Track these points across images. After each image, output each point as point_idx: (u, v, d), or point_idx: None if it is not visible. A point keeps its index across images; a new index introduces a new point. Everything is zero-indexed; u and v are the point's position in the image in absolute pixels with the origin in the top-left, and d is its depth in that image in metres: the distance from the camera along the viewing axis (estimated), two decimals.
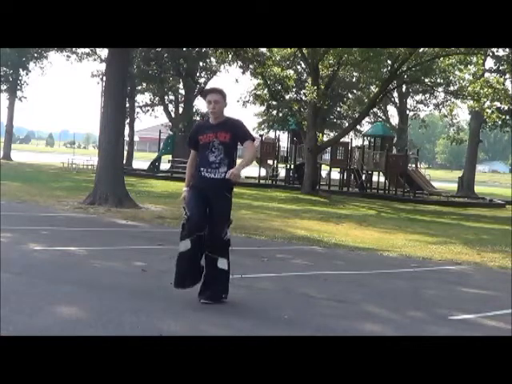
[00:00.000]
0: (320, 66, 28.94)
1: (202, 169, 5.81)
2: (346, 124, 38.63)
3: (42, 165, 39.80)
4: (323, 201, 24.73)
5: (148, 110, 41.88)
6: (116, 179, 15.91)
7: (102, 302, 5.63)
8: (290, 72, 32.76)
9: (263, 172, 36.63)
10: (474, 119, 38.53)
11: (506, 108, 31.16)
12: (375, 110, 41.78)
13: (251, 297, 6.41)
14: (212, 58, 38.18)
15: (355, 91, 40.60)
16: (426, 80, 32.29)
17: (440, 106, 41.44)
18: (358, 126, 40.41)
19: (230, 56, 26.37)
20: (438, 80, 33.22)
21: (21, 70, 43.48)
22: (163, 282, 6.46)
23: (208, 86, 6.48)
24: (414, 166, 36.41)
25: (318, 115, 29.27)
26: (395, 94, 41.45)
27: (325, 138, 34.75)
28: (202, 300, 5.84)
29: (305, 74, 36.05)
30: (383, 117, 45.02)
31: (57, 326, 4.76)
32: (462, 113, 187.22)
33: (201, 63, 40.12)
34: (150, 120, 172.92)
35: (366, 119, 41.07)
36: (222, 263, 5.83)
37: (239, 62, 30.07)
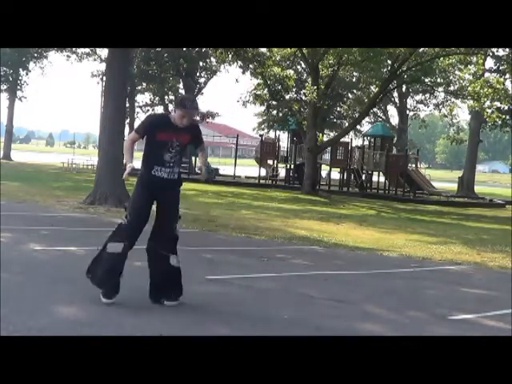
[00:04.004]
0: (320, 66, 28.93)
1: (155, 167, 5.70)
2: (346, 124, 38.61)
3: (42, 165, 39.80)
4: (323, 201, 24.73)
5: (148, 110, 41.86)
6: (116, 179, 15.89)
7: (102, 302, 5.63)
8: (290, 72, 32.75)
9: (263, 172, 36.63)
10: (473, 119, 38.52)
11: (506, 108, 31.15)
12: (375, 109, 41.80)
13: (251, 297, 6.42)
14: (212, 58, 38.16)
15: (355, 91, 40.58)
16: (426, 80, 32.27)
17: (440, 106, 41.44)
18: (358, 126, 40.46)
19: (230, 56, 26.37)
20: (438, 80, 33.21)
21: (21, 69, 43.48)
22: None
23: (186, 96, 6.46)
24: (414, 165, 36.41)
25: (317, 115, 29.26)
26: (395, 94, 41.44)
27: (325, 138, 34.75)
28: (168, 302, 5.71)
29: (305, 74, 36.05)
30: (383, 117, 45.02)
31: (57, 326, 4.76)
32: (462, 113, 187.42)
33: (201, 63, 40.11)
34: None
35: (366, 119, 41.15)
36: (174, 260, 5.76)
37: (239, 62, 30.05)
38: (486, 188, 52.91)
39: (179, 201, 5.89)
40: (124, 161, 5.76)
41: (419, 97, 42.95)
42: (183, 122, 5.66)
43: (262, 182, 35.24)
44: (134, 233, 5.67)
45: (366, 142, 36.78)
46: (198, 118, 5.93)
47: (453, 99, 37.22)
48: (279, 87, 31.02)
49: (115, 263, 5.67)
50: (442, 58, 28.42)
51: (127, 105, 28.17)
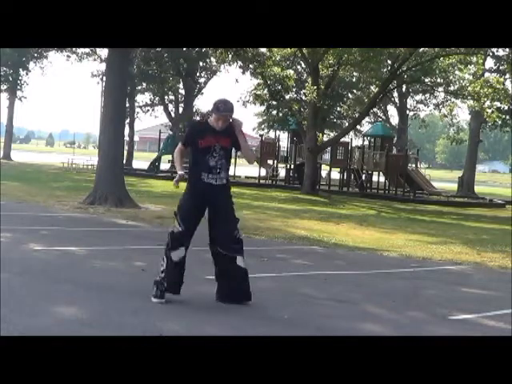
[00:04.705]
0: (320, 66, 28.92)
1: (203, 173, 5.81)
2: (346, 124, 38.59)
3: (42, 165, 39.78)
4: (323, 201, 24.72)
5: (148, 110, 41.88)
6: (116, 179, 15.91)
7: (102, 302, 5.63)
8: (290, 72, 32.72)
9: (263, 172, 36.63)
10: (473, 119, 38.49)
11: (506, 108, 31.15)
12: (375, 109, 41.74)
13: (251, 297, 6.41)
14: (212, 58, 38.14)
15: (355, 91, 40.56)
16: (426, 80, 32.27)
17: (440, 106, 41.32)
18: (358, 126, 40.38)
19: (230, 56, 26.33)
20: (438, 80, 33.18)
21: (21, 69, 43.44)
22: None
23: (221, 100, 6.42)
24: (414, 165, 36.39)
25: (317, 115, 29.24)
26: (395, 94, 41.39)
27: (325, 138, 34.73)
28: (227, 302, 5.87)
29: (305, 74, 36.03)
30: (383, 117, 44.97)
31: (57, 326, 4.76)
32: (462, 113, 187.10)
33: (201, 63, 40.10)
34: (150, 120, 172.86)
35: (366, 119, 41.05)
36: (240, 261, 5.91)
37: (239, 62, 30.01)
38: (486, 188, 52.88)
39: (233, 204, 6.01)
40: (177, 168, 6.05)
41: (419, 97, 42.89)
42: (219, 125, 5.80)
43: (261, 182, 35.24)
44: (188, 237, 5.91)
45: (366, 142, 36.76)
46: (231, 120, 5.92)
47: (453, 99, 37.14)
48: (279, 87, 30.97)
49: (181, 265, 5.89)
50: (441, 58, 28.40)
51: (127, 105, 28.21)
